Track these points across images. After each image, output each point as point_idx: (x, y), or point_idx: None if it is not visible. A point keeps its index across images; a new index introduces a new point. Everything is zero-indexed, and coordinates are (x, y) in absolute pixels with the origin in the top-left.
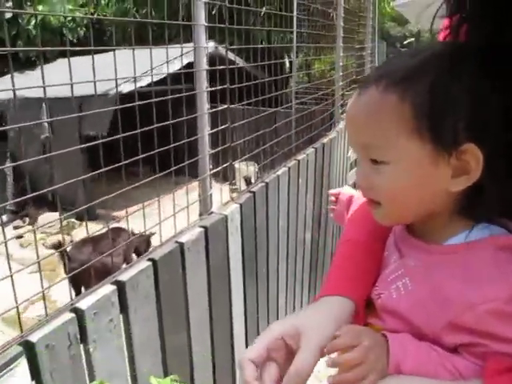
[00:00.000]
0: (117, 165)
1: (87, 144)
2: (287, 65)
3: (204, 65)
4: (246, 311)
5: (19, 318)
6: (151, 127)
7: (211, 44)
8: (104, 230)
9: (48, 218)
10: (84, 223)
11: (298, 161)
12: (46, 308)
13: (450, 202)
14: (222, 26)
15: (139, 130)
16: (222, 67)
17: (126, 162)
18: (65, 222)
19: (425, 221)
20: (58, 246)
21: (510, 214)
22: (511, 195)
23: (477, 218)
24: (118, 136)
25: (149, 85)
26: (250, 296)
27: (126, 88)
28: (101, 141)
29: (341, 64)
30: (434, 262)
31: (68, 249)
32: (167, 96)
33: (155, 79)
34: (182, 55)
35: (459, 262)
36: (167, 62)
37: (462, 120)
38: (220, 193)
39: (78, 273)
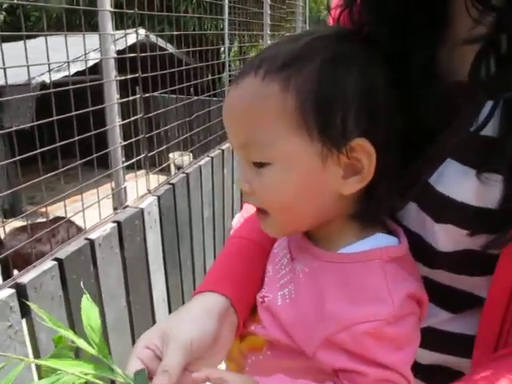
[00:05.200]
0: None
1: None
2: (222, 52)
3: (111, 53)
4: (170, 302)
5: None
6: (61, 116)
7: (141, 31)
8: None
9: None
10: (8, 221)
11: (223, 150)
12: None
13: (342, 206)
14: (130, 11)
15: (42, 121)
16: (132, 55)
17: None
18: None
19: (318, 226)
20: None
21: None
22: (396, 192)
23: (369, 220)
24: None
25: (78, 74)
26: (173, 288)
27: (49, 78)
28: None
29: None
30: (318, 268)
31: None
32: (88, 87)
33: (83, 68)
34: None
35: (344, 273)
36: (81, 56)
37: (352, 111)
38: (136, 185)
39: (13, 262)
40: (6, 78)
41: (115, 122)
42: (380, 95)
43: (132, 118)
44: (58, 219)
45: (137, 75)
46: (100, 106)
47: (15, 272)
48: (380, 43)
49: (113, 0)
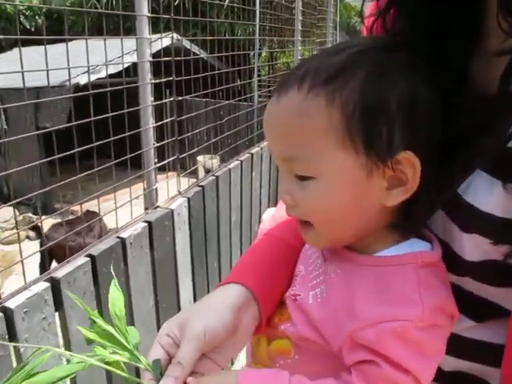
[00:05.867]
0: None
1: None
2: (252, 58)
3: (147, 56)
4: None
5: None
6: (99, 117)
7: (174, 36)
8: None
9: (3, 213)
10: (41, 218)
11: (252, 154)
12: None
13: (383, 217)
14: (166, 16)
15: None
16: (167, 58)
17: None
18: (21, 217)
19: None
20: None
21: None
22: (435, 201)
23: (407, 230)
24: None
25: (110, 76)
26: (200, 289)
27: (83, 80)
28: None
29: (299, 58)
30: (353, 271)
31: (45, 230)
32: (123, 89)
33: (115, 70)
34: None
35: (378, 276)
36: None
37: (397, 124)
38: (167, 186)
39: (54, 253)
40: (48, 80)
41: (149, 123)
42: (423, 104)
43: (166, 120)
44: (90, 213)
45: (171, 78)
46: (135, 108)
47: (54, 264)
48: (416, 52)
49: (150, 5)
